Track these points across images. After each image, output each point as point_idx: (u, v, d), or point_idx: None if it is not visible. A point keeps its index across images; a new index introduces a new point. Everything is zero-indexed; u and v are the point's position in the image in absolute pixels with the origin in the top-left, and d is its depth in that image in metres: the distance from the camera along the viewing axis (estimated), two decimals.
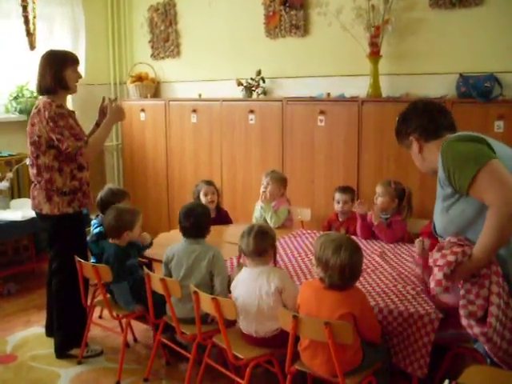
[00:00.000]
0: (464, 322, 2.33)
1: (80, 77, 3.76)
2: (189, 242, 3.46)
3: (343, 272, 2.68)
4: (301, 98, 5.02)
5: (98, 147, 3.76)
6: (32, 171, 3.70)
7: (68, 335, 3.80)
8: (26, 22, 5.23)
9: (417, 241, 2.86)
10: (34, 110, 3.66)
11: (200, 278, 3.32)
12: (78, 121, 3.72)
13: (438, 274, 2.34)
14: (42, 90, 3.66)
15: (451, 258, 2.31)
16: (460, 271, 2.31)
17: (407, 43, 4.60)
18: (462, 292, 2.36)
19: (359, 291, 2.83)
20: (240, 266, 3.24)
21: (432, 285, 2.36)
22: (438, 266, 2.34)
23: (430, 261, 2.41)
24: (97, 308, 4.09)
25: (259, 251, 3.06)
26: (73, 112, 3.74)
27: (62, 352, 3.81)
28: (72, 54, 3.79)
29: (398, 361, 2.89)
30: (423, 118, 2.60)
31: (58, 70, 3.60)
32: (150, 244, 3.91)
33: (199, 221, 3.47)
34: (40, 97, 3.73)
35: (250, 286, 3.03)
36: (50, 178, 3.62)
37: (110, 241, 3.70)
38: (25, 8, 5.19)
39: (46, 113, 3.52)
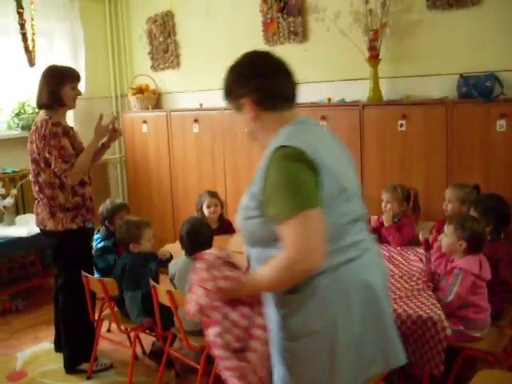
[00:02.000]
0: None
1: (79, 94, 3.75)
2: (190, 258, 3.46)
3: None
4: (301, 104, 5.00)
5: (81, 170, 3.59)
6: (34, 188, 3.72)
7: (76, 350, 3.79)
8: (24, 39, 5.24)
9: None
10: (32, 127, 3.68)
11: None
12: (77, 138, 3.71)
13: (201, 297, 1.97)
14: (40, 105, 3.69)
15: (222, 283, 1.97)
16: (224, 294, 1.98)
17: (406, 45, 4.59)
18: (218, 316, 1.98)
19: None
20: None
21: (190, 306, 1.98)
22: (204, 288, 1.97)
23: (197, 278, 2.01)
24: (105, 322, 4.08)
25: None
26: (71, 129, 3.72)
27: (71, 367, 3.81)
28: (72, 70, 3.78)
29: (415, 360, 2.88)
30: (267, 80, 2.09)
31: (55, 87, 3.60)
32: (169, 259, 3.88)
33: (201, 242, 3.44)
34: (41, 112, 3.73)
35: None
36: (52, 195, 3.63)
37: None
38: (22, 26, 5.20)
39: (42, 130, 3.54)
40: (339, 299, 1.87)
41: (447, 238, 3.14)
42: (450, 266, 3.14)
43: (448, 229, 3.13)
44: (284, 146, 1.92)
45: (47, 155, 3.53)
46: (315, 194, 1.84)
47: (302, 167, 1.86)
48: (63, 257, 3.74)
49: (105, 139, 3.82)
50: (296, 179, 1.85)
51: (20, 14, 5.21)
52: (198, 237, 3.46)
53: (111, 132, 3.78)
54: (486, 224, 3.26)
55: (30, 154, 3.65)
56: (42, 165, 3.59)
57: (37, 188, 3.69)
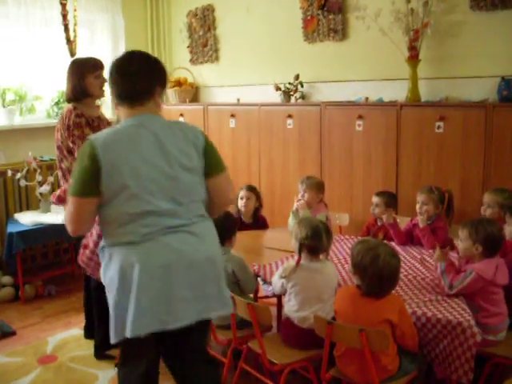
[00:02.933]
0: None
1: (105, 81, 3.72)
2: None
3: (381, 280, 2.67)
4: (339, 103, 4.99)
5: None
6: (59, 174, 3.83)
7: (107, 335, 3.83)
8: (66, 30, 5.33)
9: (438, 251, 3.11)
10: (59, 117, 3.79)
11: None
12: (102, 128, 3.71)
13: None
14: (66, 98, 3.79)
15: None
16: None
17: (447, 46, 4.53)
18: None
19: (397, 298, 2.81)
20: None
21: None
22: None
23: None
24: None
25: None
26: (97, 119, 3.75)
27: (100, 351, 3.85)
28: (93, 60, 3.80)
29: (444, 369, 2.84)
30: (113, 80, 2.51)
31: (78, 79, 3.67)
32: None
33: (219, 225, 3.43)
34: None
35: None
36: None
37: None
38: (64, 17, 5.30)
39: (66, 120, 3.64)
40: (112, 267, 2.36)
41: (462, 242, 3.10)
42: (464, 267, 3.11)
43: (462, 233, 3.10)
44: (89, 139, 2.36)
45: (71, 144, 3.62)
46: (86, 185, 2.30)
47: (86, 160, 2.30)
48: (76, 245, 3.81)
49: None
50: (80, 169, 2.32)
51: (63, 6, 5.31)
52: (219, 228, 3.46)
53: None
54: None
55: (56, 141, 3.75)
56: (65, 152, 3.68)
57: (60, 174, 3.80)
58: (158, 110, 2.53)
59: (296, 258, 3.18)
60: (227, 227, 3.49)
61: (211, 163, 2.50)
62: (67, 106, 3.75)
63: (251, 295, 3.71)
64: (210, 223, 2.55)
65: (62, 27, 5.35)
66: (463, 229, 3.10)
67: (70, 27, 5.39)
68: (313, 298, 3.03)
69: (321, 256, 3.14)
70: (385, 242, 3.92)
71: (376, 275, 2.66)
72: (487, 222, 3.15)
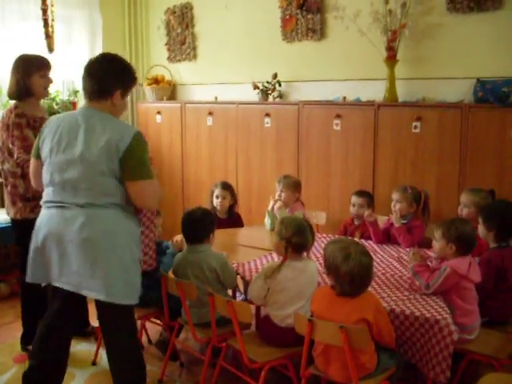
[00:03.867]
0: None
1: (50, 82, 3.70)
2: (191, 249, 3.48)
3: (353, 279, 2.69)
4: (317, 102, 5.02)
5: None
6: (2, 175, 3.76)
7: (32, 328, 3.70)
8: (46, 25, 5.26)
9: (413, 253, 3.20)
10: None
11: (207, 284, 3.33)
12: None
13: None
14: (10, 96, 3.66)
15: None
16: None
17: (424, 47, 4.58)
18: None
19: (372, 296, 2.84)
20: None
21: None
22: None
23: None
24: None
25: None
26: (40, 120, 3.59)
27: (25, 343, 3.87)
28: (41, 58, 3.72)
29: (422, 366, 2.88)
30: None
31: (22, 77, 3.55)
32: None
33: (198, 224, 3.48)
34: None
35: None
36: (14, 184, 3.64)
37: None
38: (44, 11, 5.23)
39: (6, 120, 3.54)
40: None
41: (437, 242, 3.16)
42: (438, 266, 3.17)
43: (437, 233, 3.16)
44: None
45: (10, 145, 3.54)
46: (35, 150, 2.86)
47: (39, 131, 2.89)
48: (19, 245, 3.71)
49: None
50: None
51: (43, 0, 5.23)
52: (193, 228, 3.47)
53: None
54: (489, 230, 3.30)
55: None
56: (6, 154, 3.60)
57: (3, 175, 3.73)
58: (113, 110, 2.75)
59: (277, 255, 3.20)
60: (206, 225, 3.50)
61: (127, 168, 2.65)
62: (9, 106, 3.64)
63: (230, 292, 3.72)
64: (109, 211, 2.69)
65: (42, 22, 5.27)
66: (438, 229, 3.16)
67: (49, 22, 5.32)
68: (295, 297, 3.05)
69: (303, 254, 3.16)
70: (357, 240, 4.00)
71: (348, 274, 2.68)
72: (460, 221, 3.22)
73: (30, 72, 3.58)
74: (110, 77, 2.71)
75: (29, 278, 2.84)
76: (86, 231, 2.64)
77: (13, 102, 3.70)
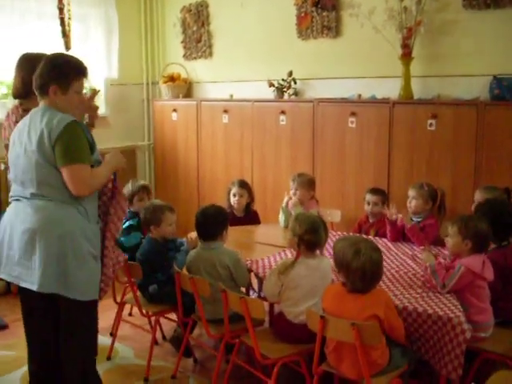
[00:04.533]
0: None
1: None
2: (204, 246, 3.50)
3: (365, 275, 2.70)
4: (332, 99, 5.02)
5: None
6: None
7: None
8: (62, 23, 5.30)
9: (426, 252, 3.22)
10: (5, 114, 3.64)
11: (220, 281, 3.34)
12: None
13: None
14: (14, 95, 3.61)
15: None
16: None
17: (440, 45, 4.56)
18: None
19: (382, 292, 2.85)
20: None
21: None
22: None
23: None
24: (127, 305, 4.15)
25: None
26: None
27: None
28: (43, 55, 3.72)
29: (434, 363, 2.87)
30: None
31: (27, 75, 3.40)
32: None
33: (211, 221, 3.50)
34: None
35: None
36: None
37: (149, 235, 3.81)
38: (61, 10, 5.27)
39: (14, 117, 3.49)
40: None
41: (452, 238, 3.14)
42: (452, 264, 3.15)
43: (452, 229, 3.14)
44: None
45: None
46: None
47: None
48: None
49: (87, 118, 3.75)
50: None
51: None
52: (206, 225, 3.50)
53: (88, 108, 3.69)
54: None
55: (4, 140, 3.59)
56: None
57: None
58: (59, 105, 2.77)
59: (291, 253, 3.21)
60: (219, 222, 3.53)
61: (56, 155, 2.67)
62: (13, 104, 3.62)
63: (243, 290, 3.73)
64: (52, 202, 2.71)
65: (58, 21, 5.32)
66: (453, 225, 3.13)
67: (66, 21, 5.36)
68: (308, 294, 3.05)
69: (317, 251, 3.17)
70: (368, 237, 3.99)
71: (359, 270, 2.69)
72: (477, 218, 3.19)
73: (34, 70, 3.58)
74: (42, 73, 2.79)
75: None
76: (27, 222, 2.70)
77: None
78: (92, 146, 2.78)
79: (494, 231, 3.21)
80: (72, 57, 2.94)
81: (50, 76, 2.77)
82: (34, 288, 2.70)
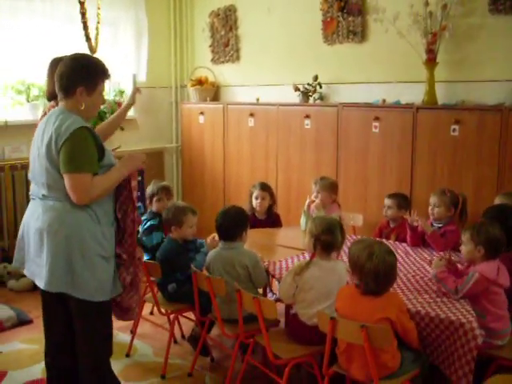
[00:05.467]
0: None
1: None
2: (224, 246, 3.55)
3: (377, 277, 2.71)
4: (356, 104, 5.03)
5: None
6: None
7: None
8: (85, 27, 5.41)
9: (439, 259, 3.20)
10: (42, 115, 3.75)
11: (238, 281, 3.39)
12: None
13: None
14: (47, 95, 3.76)
15: None
16: None
17: (465, 50, 4.54)
18: None
19: (395, 296, 2.86)
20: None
21: None
22: None
23: None
24: (148, 304, 4.22)
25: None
26: None
27: None
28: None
29: (444, 368, 2.87)
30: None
31: None
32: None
33: (230, 222, 3.55)
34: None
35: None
36: None
37: (169, 235, 3.88)
38: (83, 15, 5.38)
39: None
40: None
41: (465, 245, 3.14)
42: (467, 271, 3.14)
43: (465, 236, 3.13)
44: None
45: None
46: None
47: None
48: None
49: (130, 98, 3.78)
50: None
51: (81, 4, 5.39)
52: (225, 225, 3.55)
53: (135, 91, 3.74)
54: None
55: None
56: None
57: None
58: (80, 108, 2.76)
59: (308, 254, 3.24)
60: (238, 223, 3.57)
61: (61, 161, 2.66)
62: (50, 105, 3.71)
63: (261, 290, 3.77)
64: (61, 204, 2.72)
65: (82, 25, 5.42)
66: (465, 232, 3.13)
67: (93, 25, 5.47)
68: (323, 296, 3.07)
69: (333, 255, 3.19)
70: (388, 241, 4.00)
71: (372, 272, 2.70)
72: (489, 223, 3.17)
73: None
74: (70, 74, 2.75)
75: (13, 262, 3.00)
76: (39, 221, 2.74)
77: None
78: (101, 151, 2.75)
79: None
80: (96, 58, 2.95)
81: (78, 77, 2.74)
82: (42, 286, 2.75)
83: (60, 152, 2.64)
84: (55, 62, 3.64)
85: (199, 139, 6.34)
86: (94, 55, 5.45)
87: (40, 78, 5.50)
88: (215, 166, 6.21)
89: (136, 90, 3.65)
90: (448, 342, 2.81)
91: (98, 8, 5.46)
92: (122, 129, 5.52)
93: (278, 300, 3.49)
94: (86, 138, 2.68)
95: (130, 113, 6.04)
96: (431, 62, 4.54)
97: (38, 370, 3.66)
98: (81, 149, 2.66)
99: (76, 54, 2.87)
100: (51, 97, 3.69)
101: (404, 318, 2.75)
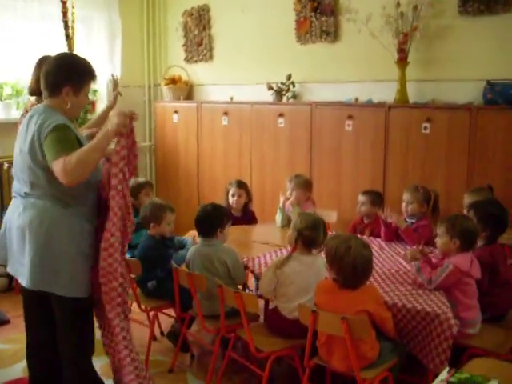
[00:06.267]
0: None
1: None
2: (203, 243, 3.60)
3: (355, 271, 2.81)
4: (329, 103, 5.12)
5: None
6: None
7: None
8: (66, 27, 5.41)
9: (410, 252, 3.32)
10: (23, 112, 3.78)
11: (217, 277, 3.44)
12: None
13: None
14: (29, 91, 3.77)
15: None
16: None
17: (435, 50, 4.66)
18: None
19: (372, 288, 2.97)
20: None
21: None
22: None
23: None
24: None
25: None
26: None
27: None
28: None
29: (422, 357, 2.97)
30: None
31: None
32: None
33: (209, 218, 3.61)
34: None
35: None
36: None
37: (148, 232, 3.90)
38: (65, 14, 5.38)
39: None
40: None
41: (441, 238, 3.25)
42: (440, 262, 3.25)
43: (440, 229, 3.25)
44: None
45: None
46: None
47: None
48: None
49: (111, 100, 3.79)
50: None
51: (63, 3, 5.40)
52: (207, 220, 3.61)
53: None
54: (482, 229, 3.36)
55: None
56: None
57: None
58: (65, 107, 2.76)
59: (287, 252, 3.32)
60: (215, 220, 3.63)
61: (46, 152, 2.62)
62: (30, 102, 3.73)
63: (240, 287, 3.83)
64: (42, 201, 2.74)
65: (62, 24, 5.42)
66: (441, 225, 3.25)
67: (69, 24, 5.47)
68: (303, 290, 3.15)
69: (314, 251, 3.27)
70: (362, 236, 4.09)
71: (350, 266, 2.80)
72: (463, 217, 3.33)
73: None
74: (57, 73, 2.74)
75: None
76: (20, 219, 2.75)
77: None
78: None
79: (492, 232, 3.37)
80: (84, 58, 2.90)
81: (66, 76, 2.74)
82: (25, 284, 2.77)
83: (43, 145, 2.62)
84: (42, 61, 3.68)
85: (173, 138, 6.37)
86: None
87: (12, 77, 5.49)
88: (189, 164, 6.25)
89: (117, 92, 3.67)
90: (424, 332, 2.92)
91: (73, 7, 5.45)
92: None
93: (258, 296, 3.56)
94: (68, 131, 2.67)
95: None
96: (402, 61, 4.65)
97: (19, 369, 3.66)
98: (65, 136, 2.63)
99: (64, 54, 2.89)
100: (34, 93, 3.71)
101: (381, 309, 2.85)
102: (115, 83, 3.74)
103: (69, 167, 2.53)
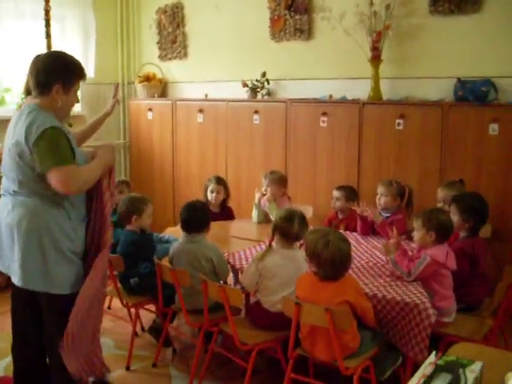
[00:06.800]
0: None
1: None
2: (187, 239, 3.63)
3: (334, 264, 2.89)
4: (304, 100, 5.20)
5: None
6: None
7: None
8: (48, 24, 5.39)
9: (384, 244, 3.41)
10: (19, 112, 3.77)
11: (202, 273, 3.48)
12: None
13: None
14: (24, 90, 3.72)
15: None
16: None
17: (407, 48, 4.78)
18: None
19: (352, 279, 3.06)
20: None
21: None
22: None
23: None
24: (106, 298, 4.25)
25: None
26: None
27: None
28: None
29: (401, 346, 3.07)
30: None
31: None
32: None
33: (196, 215, 3.65)
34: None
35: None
36: None
37: (127, 227, 3.90)
38: (47, 12, 5.36)
39: None
40: None
41: (418, 231, 3.36)
42: (418, 254, 3.36)
43: (417, 223, 3.36)
44: None
45: None
46: None
47: None
48: None
49: (108, 107, 3.84)
50: None
51: (46, 2, 5.38)
52: (193, 218, 3.64)
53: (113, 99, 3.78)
54: (465, 221, 3.52)
55: None
56: None
57: None
58: (55, 106, 2.77)
59: (265, 246, 3.39)
60: (204, 216, 3.69)
61: (37, 160, 2.64)
62: (25, 100, 3.74)
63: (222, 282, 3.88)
64: (30, 199, 2.75)
65: (44, 22, 5.39)
66: (418, 219, 3.36)
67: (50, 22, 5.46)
68: (285, 283, 3.22)
69: (295, 245, 3.34)
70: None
71: (329, 260, 2.89)
72: (438, 211, 3.47)
73: None
74: (47, 71, 2.74)
75: None
76: (9, 217, 2.76)
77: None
78: (72, 152, 2.73)
79: (474, 224, 3.53)
80: (73, 57, 2.89)
81: (56, 74, 2.73)
82: (16, 282, 2.79)
83: (34, 152, 2.62)
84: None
85: (148, 135, 6.38)
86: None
87: None
88: (164, 162, 6.27)
89: (116, 100, 3.66)
90: (404, 322, 3.02)
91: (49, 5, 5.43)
92: (71, 125, 5.50)
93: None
94: (58, 135, 2.68)
95: (77, 109, 6.05)
96: (376, 59, 4.75)
97: (1, 367, 3.65)
98: (57, 143, 2.65)
99: (54, 52, 2.89)
100: (30, 93, 3.71)
101: (361, 299, 2.94)
102: (116, 91, 3.74)
103: (80, 179, 2.69)
